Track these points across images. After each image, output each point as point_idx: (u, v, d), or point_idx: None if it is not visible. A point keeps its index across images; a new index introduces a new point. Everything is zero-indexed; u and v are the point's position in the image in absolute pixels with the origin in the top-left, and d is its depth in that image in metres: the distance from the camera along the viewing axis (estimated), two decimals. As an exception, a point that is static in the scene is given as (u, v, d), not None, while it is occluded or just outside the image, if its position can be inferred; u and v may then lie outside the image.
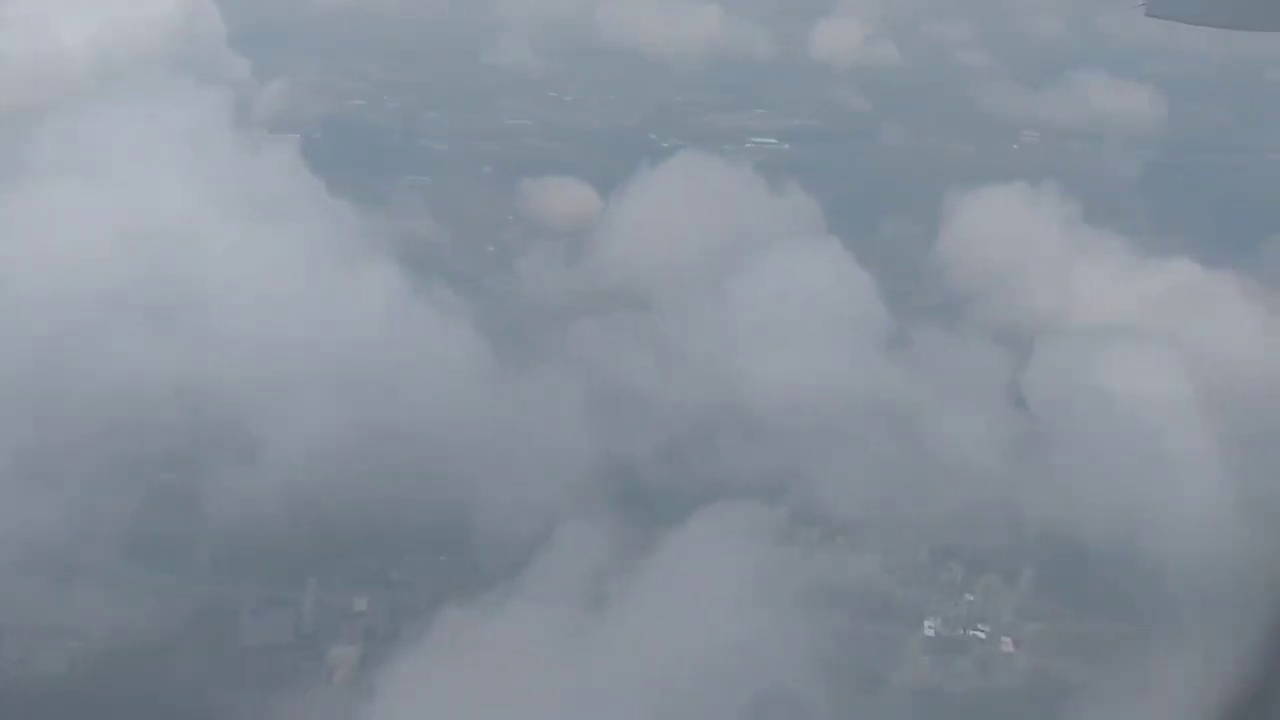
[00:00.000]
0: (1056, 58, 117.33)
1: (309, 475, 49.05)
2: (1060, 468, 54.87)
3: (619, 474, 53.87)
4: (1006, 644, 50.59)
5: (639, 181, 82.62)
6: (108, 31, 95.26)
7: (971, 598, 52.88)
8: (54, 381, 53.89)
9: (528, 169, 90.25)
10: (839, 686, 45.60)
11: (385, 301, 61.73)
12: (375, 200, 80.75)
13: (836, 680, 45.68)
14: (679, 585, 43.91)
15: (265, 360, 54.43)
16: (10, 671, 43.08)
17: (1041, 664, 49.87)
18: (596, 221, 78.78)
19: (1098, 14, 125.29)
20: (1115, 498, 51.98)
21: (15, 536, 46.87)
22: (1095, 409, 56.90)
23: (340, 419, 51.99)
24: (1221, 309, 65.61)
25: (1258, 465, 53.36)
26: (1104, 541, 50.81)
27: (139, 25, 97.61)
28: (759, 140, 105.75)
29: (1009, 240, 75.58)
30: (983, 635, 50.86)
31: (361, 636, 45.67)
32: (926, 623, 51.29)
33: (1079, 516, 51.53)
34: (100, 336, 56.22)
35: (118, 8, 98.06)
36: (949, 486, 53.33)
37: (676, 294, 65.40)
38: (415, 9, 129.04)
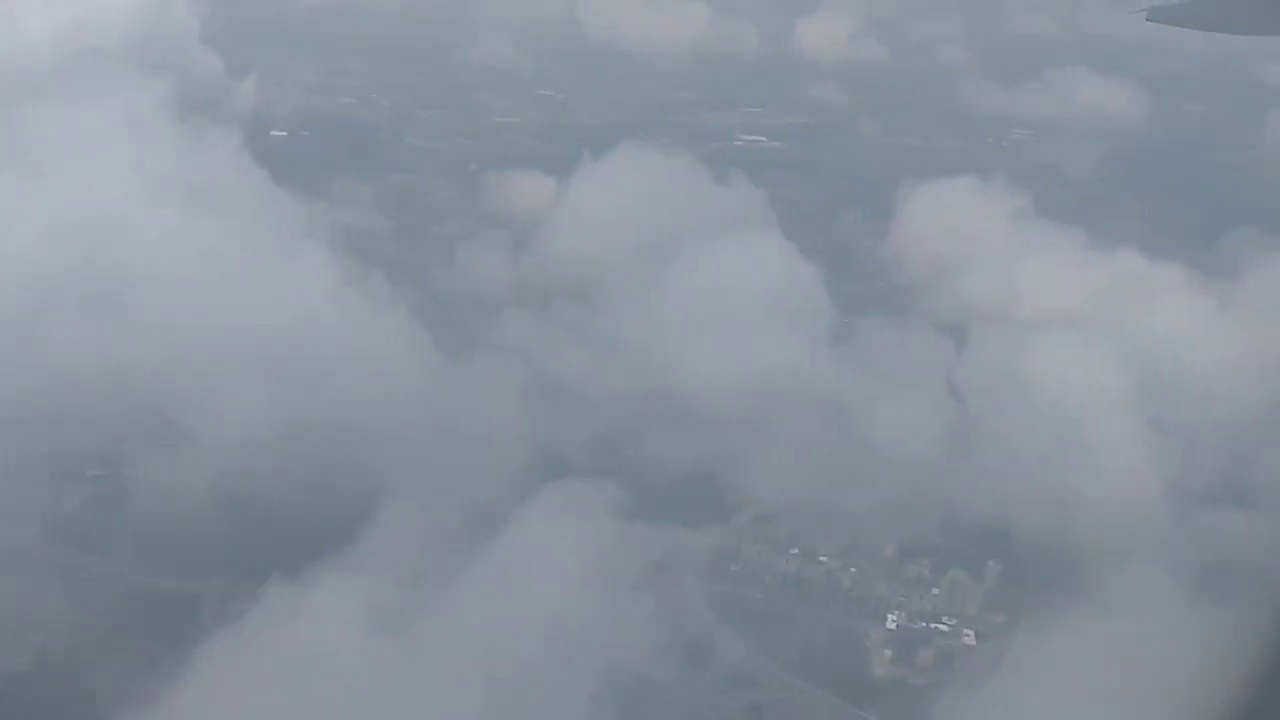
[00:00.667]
0: (1042, 55, 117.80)
1: (233, 465, 49.58)
2: (999, 457, 55.50)
3: (546, 463, 54.13)
4: (969, 636, 51.40)
5: (589, 175, 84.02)
6: (72, 27, 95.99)
7: (937, 591, 53.53)
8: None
9: (513, 167, 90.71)
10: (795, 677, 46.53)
11: (321, 292, 62.17)
12: (333, 195, 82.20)
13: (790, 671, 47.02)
14: (555, 569, 44.38)
15: (191, 349, 55.23)
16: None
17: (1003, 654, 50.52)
18: (549, 215, 79.45)
19: (1085, 13, 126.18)
20: (1053, 486, 52.83)
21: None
22: (1031, 399, 57.82)
23: (263, 408, 52.61)
24: (1165, 301, 66.66)
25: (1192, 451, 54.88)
26: (1042, 529, 51.52)
27: (104, 22, 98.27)
28: (748, 138, 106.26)
29: (965, 234, 76.53)
30: (946, 628, 51.72)
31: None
32: (890, 616, 52.06)
33: (1019, 506, 52.21)
34: (30, 326, 56.77)
35: (85, 4, 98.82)
36: (881, 476, 53.96)
37: (620, 286, 66.17)
38: (407, 7, 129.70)
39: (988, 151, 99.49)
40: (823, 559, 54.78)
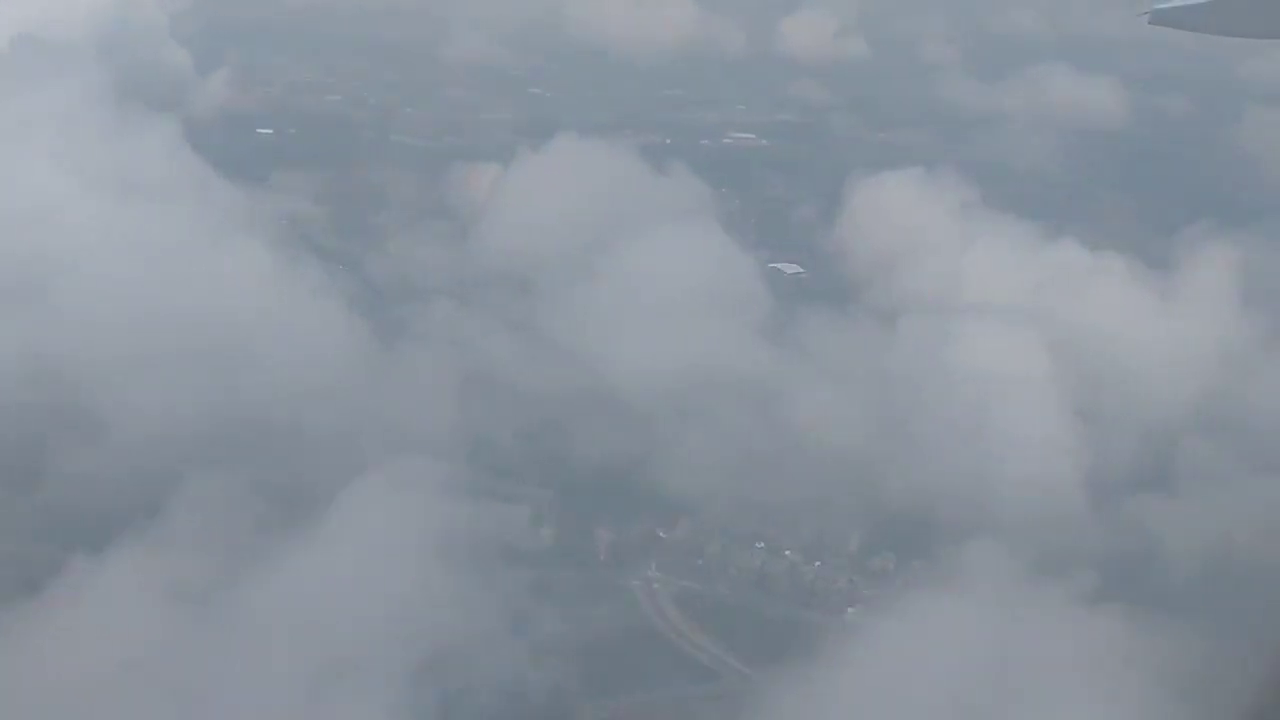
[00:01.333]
0: (1027, 52, 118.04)
1: (149, 452, 50.24)
2: (930, 446, 56.20)
3: (466, 450, 54.89)
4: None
5: (530, 167, 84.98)
6: (33, 21, 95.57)
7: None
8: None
9: (495, 164, 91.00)
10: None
11: (251, 282, 62.85)
12: (294, 188, 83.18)
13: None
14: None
15: (114, 339, 55.77)
16: None
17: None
18: (494, 207, 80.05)
19: (1072, 11, 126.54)
20: (981, 474, 53.35)
21: None
22: (964, 389, 58.60)
23: (187, 396, 53.46)
24: (1104, 293, 67.59)
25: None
26: (973, 519, 51.92)
27: (66, 18, 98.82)
28: (738, 135, 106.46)
29: (915, 226, 77.40)
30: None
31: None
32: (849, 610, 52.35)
33: (954, 497, 52.61)
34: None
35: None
36: (822, 469, 54.37)
37: (559, 277, 66.77)
38: (398, 6, 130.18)
39: (963, 146, 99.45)
40: (787, 553, 55.44)
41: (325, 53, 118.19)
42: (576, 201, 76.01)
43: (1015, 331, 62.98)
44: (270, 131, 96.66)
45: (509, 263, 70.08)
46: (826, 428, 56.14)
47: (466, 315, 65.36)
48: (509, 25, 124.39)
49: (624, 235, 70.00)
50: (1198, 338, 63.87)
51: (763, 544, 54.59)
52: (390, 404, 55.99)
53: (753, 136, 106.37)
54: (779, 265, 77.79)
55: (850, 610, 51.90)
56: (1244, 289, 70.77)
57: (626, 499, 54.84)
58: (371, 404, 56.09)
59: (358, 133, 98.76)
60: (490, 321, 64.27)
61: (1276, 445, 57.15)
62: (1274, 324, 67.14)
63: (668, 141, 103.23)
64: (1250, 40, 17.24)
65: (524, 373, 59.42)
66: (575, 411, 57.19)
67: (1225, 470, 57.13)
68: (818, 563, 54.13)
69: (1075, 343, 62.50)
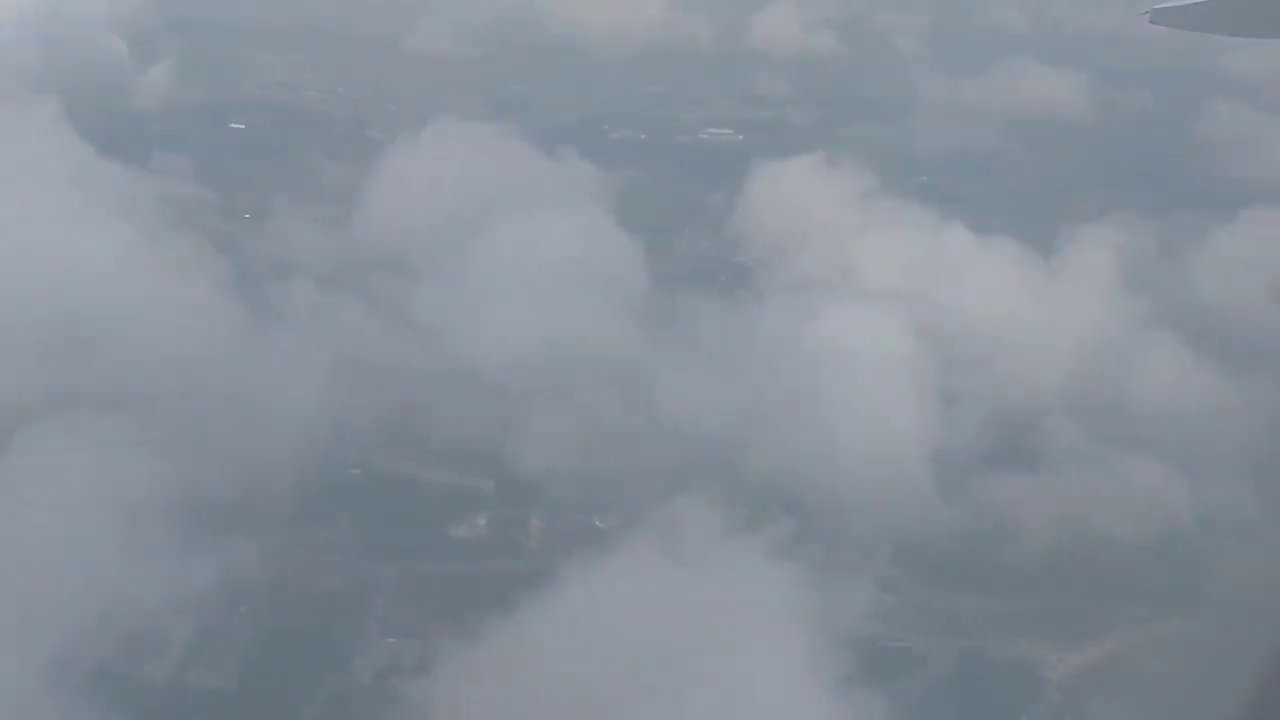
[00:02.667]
0: (1005, 46, 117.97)
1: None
2: (784, 423, 56.66)
3: (326, 438, 55.27)
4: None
5: (412, 150, 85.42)
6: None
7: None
8: None
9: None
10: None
11: (121, 263, 63.62)
12: (212, 179, 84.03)
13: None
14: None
15: None
16: None
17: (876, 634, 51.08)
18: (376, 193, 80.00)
19: (1055, 7, 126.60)
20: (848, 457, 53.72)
21: None
22: (833, 371, 58.95)
23: (45, 381, 53.74)
24: (993, 279, 68.23)
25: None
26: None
27: None
28: (715, 131, 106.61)
29: (815, 213, 78.14)
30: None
31: None
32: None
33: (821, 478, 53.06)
34: None
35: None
36: (656, 445, 54.73)
37: (437, 260, 67.24)
38: (384, 3, 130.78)
39: (920, 138, 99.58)
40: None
41: (305, 49, 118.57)
42: (475, 188, 76.25)
43: (890, 314, 63.54)
44: (242, 126, 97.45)
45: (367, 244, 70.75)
46: (685, 407, 56.47)
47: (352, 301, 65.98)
48: (488, 22, 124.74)
49: (508, 221, 70.09)
50: (1076, 323, 64.69)
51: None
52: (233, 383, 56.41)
53: (730, 132, 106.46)
54: (683, 252, 78.87)
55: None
56: (1133, 277, 71.62)
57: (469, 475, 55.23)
58: (242, 384, 56.52)
59: (329, 129, 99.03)
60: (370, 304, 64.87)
61: (1140, 426, 57.89)
62: (1155, 311, 68.16)
63: (642, 137, 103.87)
64: (1243, 39, 17.19)
65: (387, 354, 59.86)
66: (434, 392, 57.59)
67: (1085, 450, 57.86)
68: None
69: (951, 326, 63.32)
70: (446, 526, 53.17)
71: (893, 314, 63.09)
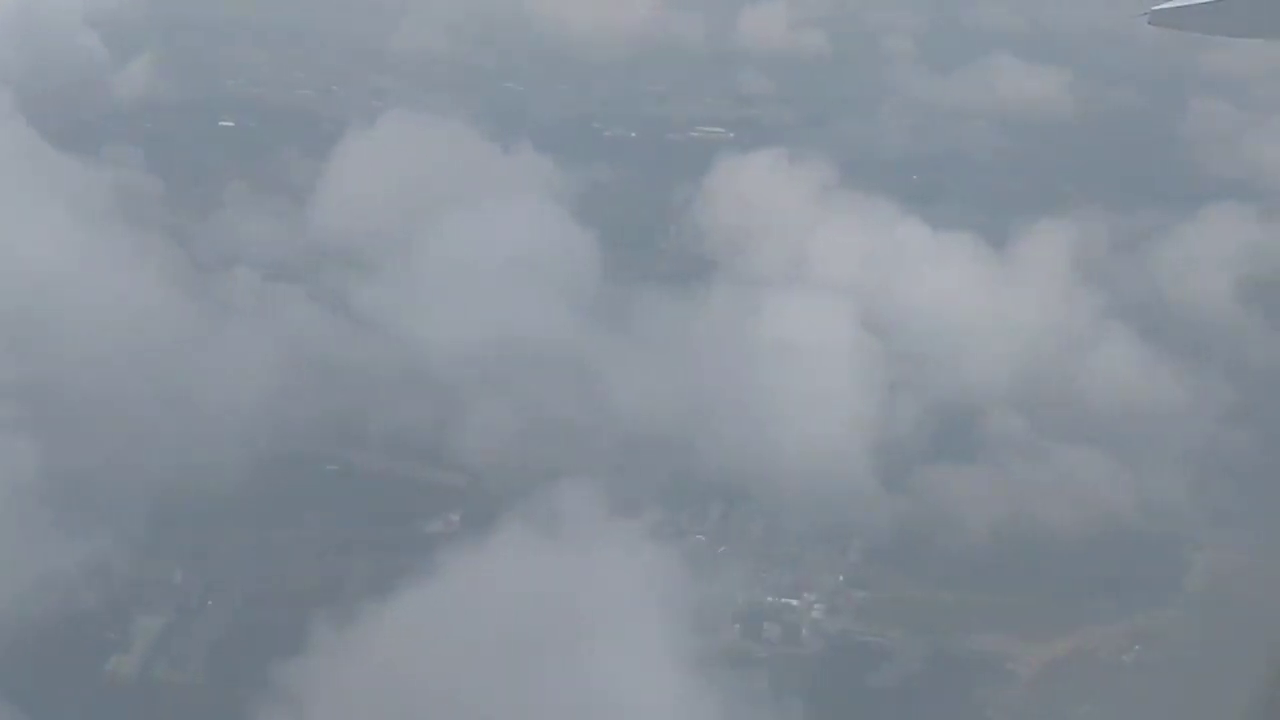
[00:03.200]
0: (994, 44, 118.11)
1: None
2: (727, 414, 57.38)
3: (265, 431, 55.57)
4: (818, 610, 52.25)
5: (365, 143, 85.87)
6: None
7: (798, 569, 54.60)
8: None
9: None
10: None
11: (59, 256, 63.79)
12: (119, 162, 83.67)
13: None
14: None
15: None
16: None
17: (851, 629, 51.43)
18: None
19: (1047, 7, 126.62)
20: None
21: None
22: (769, 359, 59.85)
23: None
24: (947, 273, 68.66)
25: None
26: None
27: None
28: (706, 129, 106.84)
29: (774, 208, 78.74)
30: (795, 603, 52.48)
31: None
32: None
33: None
34: None
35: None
36: (614, 441, 55.08)
37: (389, 254, 67.59)
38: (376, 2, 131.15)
39: (898, 135, 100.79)
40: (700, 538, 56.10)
41: (298, 47, 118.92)
42: (445, 185, 76.63)
43: (842, 308, 64.10)
44: (231, 124, 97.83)
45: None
46: (632, 400, 56.90)
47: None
48: (479, 21, 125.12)
49: (476, 217, 70.77)
50: (1030, 317, 65.05)
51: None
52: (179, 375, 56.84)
53: (722, 130, 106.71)
54: (652, 247, 79.61)
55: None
56: (1090, 272, 72.10)
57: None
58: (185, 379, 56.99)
59: (316, 126, 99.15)
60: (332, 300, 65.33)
61: (1087, 420, 58.19)
62: (1110, 306, 68.50)
63: (633, 135, 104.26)
64: (1241, 40, 17.23)
65: (333, 347, 60.47)
66: (379, 385, 58.10)
67: (1029, 444, 58.35)
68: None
69: (905, 320, 64.06)
70: (358, 511, 54.12)
71: (845, 308, 63.63)
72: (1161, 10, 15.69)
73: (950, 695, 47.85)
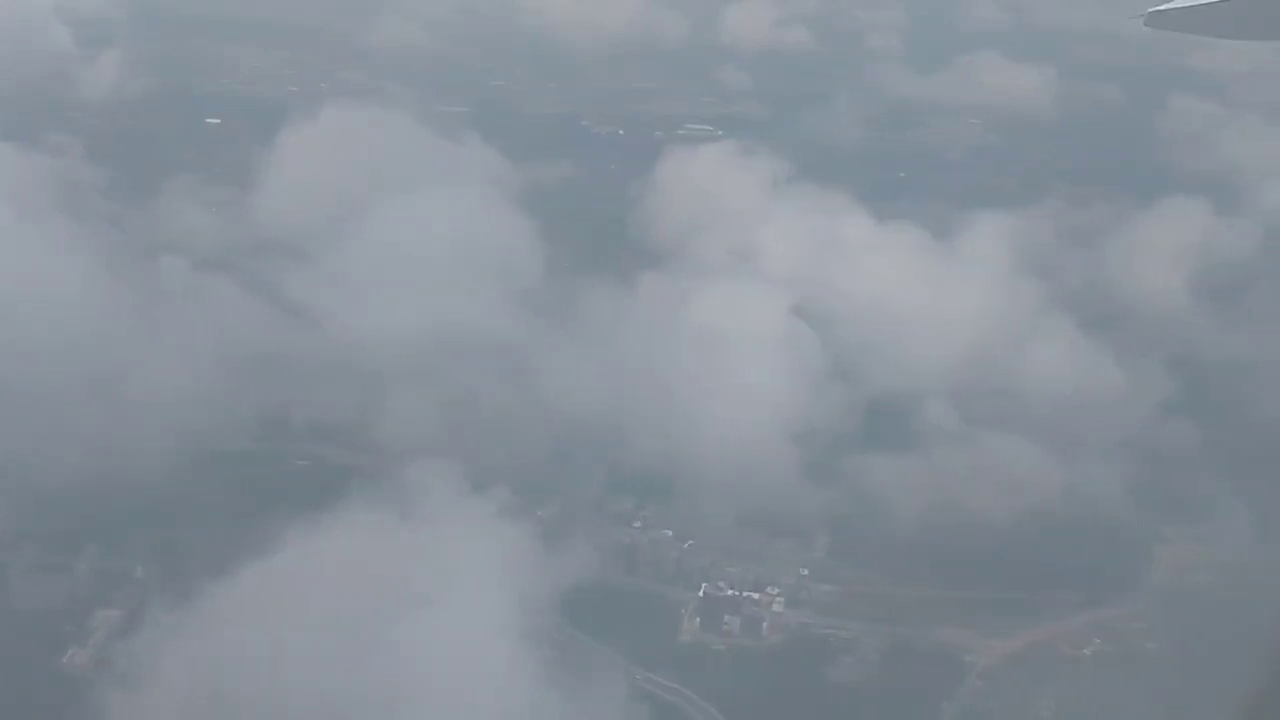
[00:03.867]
0: (974, 42, 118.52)
1: None
2: (661, 403, 57.91)
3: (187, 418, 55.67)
4: (778, 604, 52.70)
5: (307, 135, 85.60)
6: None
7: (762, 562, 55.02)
8: None
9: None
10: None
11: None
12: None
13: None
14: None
15: None
16: None
17: (809, 622, 51.86)
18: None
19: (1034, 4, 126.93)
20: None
21: None
22: (706, 348, 60.22)
23: None
24: (887, 264, 69.39)
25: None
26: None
27: None
28: (693, 127, 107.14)
29: (721, 200, 79.77)
30: (755, 596, 52.94)
31: None
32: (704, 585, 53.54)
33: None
34: None
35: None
36: (540, 427, 55.41)
37: (325, 244, 68.19)
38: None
39: (877, 132, 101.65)
40: (667, 531, 56.54)
41: (291, 46, 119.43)
42: (376, 174, 77.05)
43: (781, 297, 64.67)
44: (218, 121, 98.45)
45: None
46: (563, 387, 57.44)
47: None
48: (472, 19, 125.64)
49: (405, 205, 71.13)
50: (972, 308, 65.38)
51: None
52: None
53: (710, 128, 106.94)
54: (595, 239, 79.44)
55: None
56: (1035, 263, 72.69)
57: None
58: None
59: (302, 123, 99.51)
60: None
61: (1019, 408, 58.49)
62: (1052, 296, 69.03)
63: (620, 132, 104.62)
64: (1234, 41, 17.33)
65: (260, 335, 60.93)
66: (299, 372, 58.65)
67: (957, 431, 58.87)
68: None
69: (845, 310, 64.82)
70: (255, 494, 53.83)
71: (789, 299, 64.13)
72: (1156, 12, 15.68)
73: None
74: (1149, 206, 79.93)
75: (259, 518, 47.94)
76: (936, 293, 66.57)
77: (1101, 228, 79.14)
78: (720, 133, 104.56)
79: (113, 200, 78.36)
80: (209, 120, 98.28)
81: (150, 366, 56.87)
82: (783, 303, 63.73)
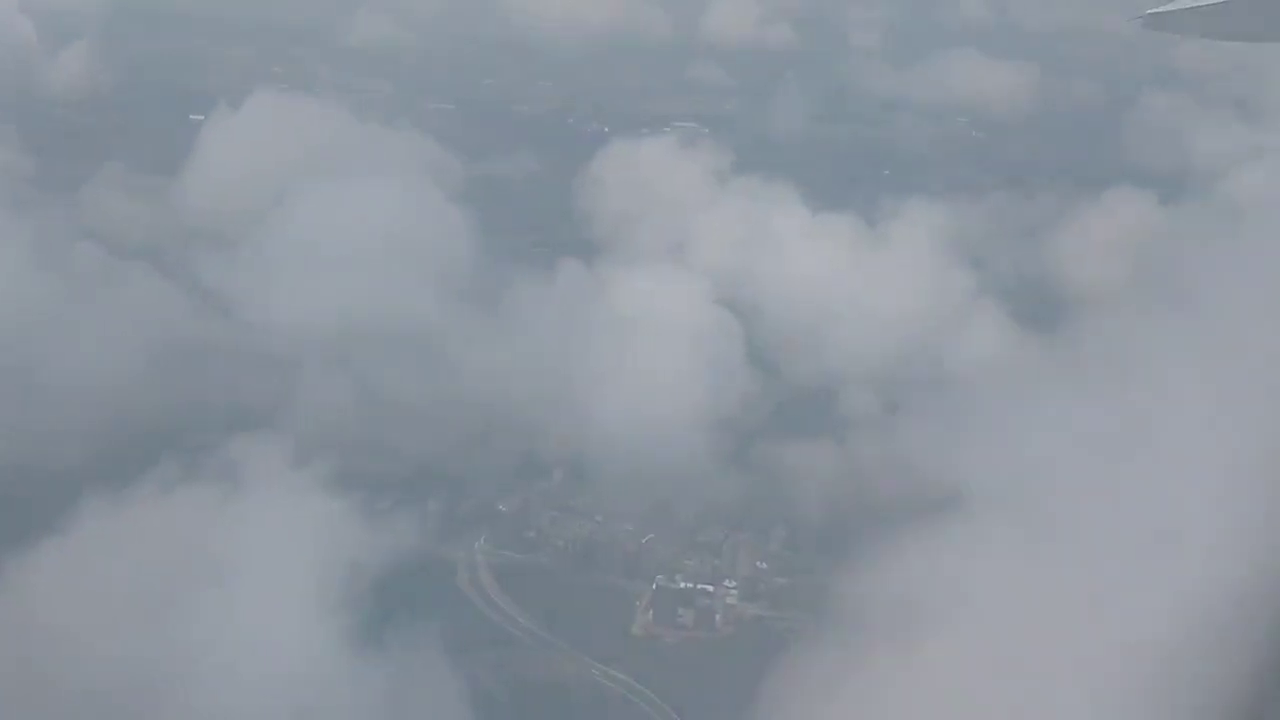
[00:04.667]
0: (958, 41, 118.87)
1: None
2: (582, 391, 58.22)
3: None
4: (731, 597, 53.03)
5: (230, 126, 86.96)
6: None
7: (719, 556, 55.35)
8: None
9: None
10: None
11: None
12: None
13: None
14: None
15: None
16: None
17: (761, 615, 52.27)
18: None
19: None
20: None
21: None
22: (630, 337, 60.66)
23: None
24: (816, 255, 70.00)
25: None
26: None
27: None
28: (680, 124, 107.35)
29: (664, 194, 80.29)
30: (710, 589, 53.30)
31: None
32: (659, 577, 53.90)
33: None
34: None
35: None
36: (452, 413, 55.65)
37: (250, 234, 68.29)
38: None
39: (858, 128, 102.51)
40: (628, 527, 56.81)
41: (278, 41, 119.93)
42: (299, 163, 77.12)
43: (712, 288, 65.24)
44: (202, 117, 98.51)
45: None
46: (481, 375, 57.81)
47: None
48: (461, 19, 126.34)
49: (330, 192, 71.13)
50: (902, 299, 65.82)
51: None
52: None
53: (695, 125, 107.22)
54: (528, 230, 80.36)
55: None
56: (970, 255, 73.21)
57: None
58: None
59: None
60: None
61: (939, 397, 58.33)
62: (983, 287, 69.50)
63: (605, 129, 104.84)
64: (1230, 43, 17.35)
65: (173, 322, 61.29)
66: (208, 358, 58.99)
67: (872, 419, 59.09)
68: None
69: (774, 300, 65.48)
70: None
71: (713, 287, 64.67)
72: (1155, 14, 15.89)
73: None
74: (1096, 200, 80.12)
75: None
76: (874, 285, 66.97)
77: (1046, 221, 79.44)
78: (706, 130, 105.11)
79: (43, 189, 78.10)
80: (193, 116, 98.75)
81: (41, 350, 56.96)
82: (710, 292, 64.28)
